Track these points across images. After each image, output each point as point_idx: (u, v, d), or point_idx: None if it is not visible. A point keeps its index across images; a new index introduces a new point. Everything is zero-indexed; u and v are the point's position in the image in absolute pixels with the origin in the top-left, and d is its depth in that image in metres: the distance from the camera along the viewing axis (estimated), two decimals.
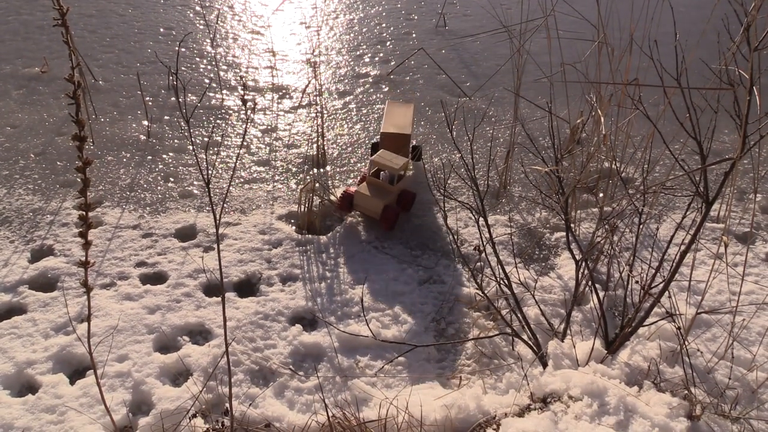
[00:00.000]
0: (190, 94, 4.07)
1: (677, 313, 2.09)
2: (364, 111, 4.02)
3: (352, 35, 5.15)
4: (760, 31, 1.69)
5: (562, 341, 2.12)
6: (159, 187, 3.23)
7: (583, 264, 2.19)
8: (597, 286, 2.25)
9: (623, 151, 3.26)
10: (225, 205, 3.09)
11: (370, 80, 4.41)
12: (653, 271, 2.09)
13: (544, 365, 2.09)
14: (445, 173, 3.19)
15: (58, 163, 3.36)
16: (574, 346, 2.08)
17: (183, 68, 4.40)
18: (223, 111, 3.95)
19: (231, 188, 3.23)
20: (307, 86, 4.25)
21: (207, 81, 4.28)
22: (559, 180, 2.25)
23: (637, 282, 2.15)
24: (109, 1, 5.55)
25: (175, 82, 4.14)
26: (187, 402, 2.00)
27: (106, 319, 2.38)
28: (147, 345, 2.28)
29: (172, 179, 3.29)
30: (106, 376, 2.13)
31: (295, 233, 2.92)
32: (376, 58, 4.73)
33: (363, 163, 3.47)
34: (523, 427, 1.77)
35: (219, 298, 2.52)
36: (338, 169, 3.43)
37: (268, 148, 3.61)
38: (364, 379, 2.17)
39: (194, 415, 1.93)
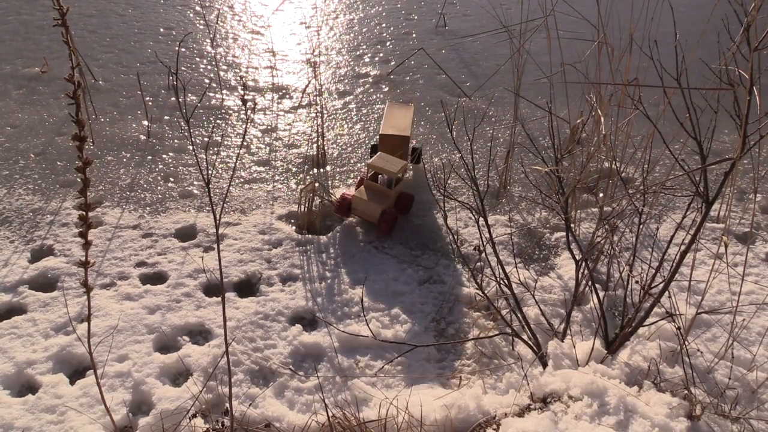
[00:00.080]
0: (190, 94, 4.07)
1: (677, 313, 2.09)
2: (364, 111, 4.02)
3: (352, 35, 5.15)
4: (760, 31, 1.69)
5: (562, 341, 2.12)
6: (159, 187, 3.23)
7: (583, 264, 2.19)
8: (597, 286, 2.25)
9: (623, 151, 3.26)
10: (225, 205, 3.09)
11: (370, 80, 4.41)
12: (653, 271, 2.09)
13: (544, 365, 2.09)
14: (445, 173, 3.19)
15: (58, 163, 3.36)
16: (574, 346, 2.08)
17: (183, 68, 4.40)
18: (223, 111, 3.95)
19: (231, 188, 3.23)
20: (307, 86, 4.25)
21: (207, 81, 4.28)
22: (559, 180, 2.25)
23: (637, 282, 2.15)
24: (109, 1, 5.55)
25: (175, 82, 4.14)
26: (187, 402, 2.00)
27: (106, 319, 2.38)
28: (147, 345, 2.28)
29: (172, 179, 3.29)
30: (106, 376, 2.13)
31: (295, 233, 2.92)
32: (376, 58, 4.73)
33: (363, 164, 3.47)
34: (523, 427, 1.77)
35: (219, 298, 2.52)
36: (338, 169, 3.43)
37: (268, 148, 3.61)
38: (364, 379, 2.17)
39: (194, 415, 1.93)
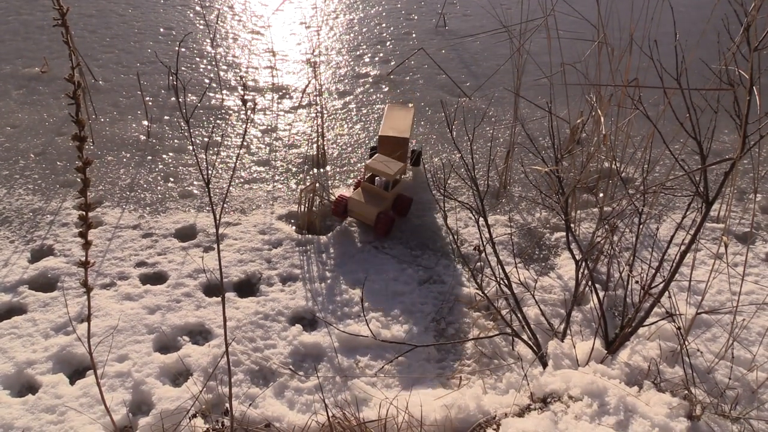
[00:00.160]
0: (190, 94, 4.07)
1: (677, 313, 2.09)
2: (364, 111, 4.02)
3: (352, 35, 5.16)
4: (760, 31, 1.69)
5: (562, 341, 2.12)
6: (159, 187, 3.23)
7: (583, 264, 2.19)
8: (597, 286, 2.25)
9: (623, 151, 3.26)
10: (225, 205, 3.09)
11: (370, 80, 4.41)
12: (653, 271, 2.10)
13: (544, 365, 2.09)
14: (445, 173, 3.18)
15: (58, 163, 3.36)
16: (574, 346, 2.08)
17: (183, 68, 4.40)
18: (223, 111, 3.95)
19: (231, 188, 3.23)
20: (307, 86, 4.25)
21: (207, 81, 4.28)
22: (559, 180, 2.25)
23: (637, 282, 2.15)
24: (109, 1, 5.55)
25: (175, 82, 4.15)
26: (187, 402, 2.00)
27: (106, 319, 2.38)
28: (147, 345, 2.28)
29: (172, 179, 3.29)
30: (106, 376, 2.13)
31: (295, 233, 2.92)
32: (376, 58, 4.73)
33: (363, 164, 3.47)
34: (523, 427, 1.77)
35: (219, 298, 2.52)
36: (338, 169, 3.43)
37: (268, 148, 3.61)
38: (364, 379, 2.17)
39: (194, 415, 1.93)
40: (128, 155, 3.47)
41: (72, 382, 2.13)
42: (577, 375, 1.93)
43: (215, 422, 1.95)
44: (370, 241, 2.87)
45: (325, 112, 3.99)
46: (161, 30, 5.04)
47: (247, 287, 2.63)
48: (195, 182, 3.27)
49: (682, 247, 1.94)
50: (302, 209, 2.97)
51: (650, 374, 2.03)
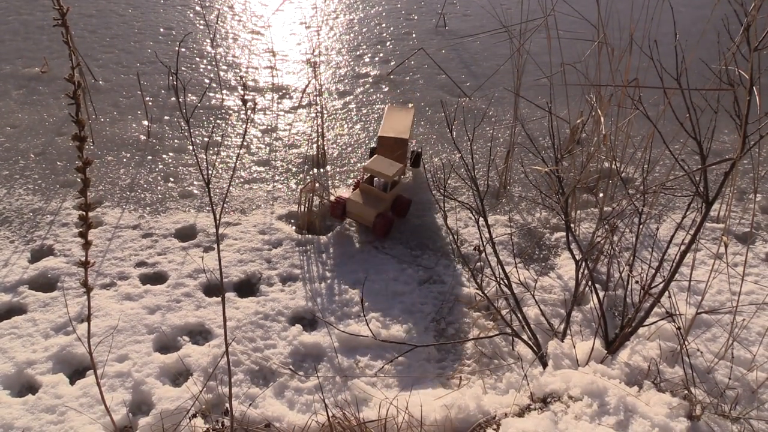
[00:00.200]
0: (190, 94, 4.07)
1: (677, 313, 2.08)
2: (364, 111, 4.02)
3: (352, 35, 5.16)
4: (760, 31, 1.69)
5: (562, 341, 2.12)
6: (159, 187, 3.23)
7: (583, 264, 2.19)
8: (597, 286, 2.25)
9: (623, 151, 3.26)
10: (225, 205, 3.09)
11: (370, 80, 4.41)
12: (653, 271, 2.09)
13: (544, 365, 2.09)
14: (445, 173, 3.18)
15: (58, 163, 3.36)
16: (574, 346, 2.08)
17: (183, 68, 4.40)
18: (223, 111, 3.95)
19: (231, 188, 3.23)
20: (307, 86, 4.25)
21: (207, 81, 4.28)
22: (559, 180, 2.24)
23: (637, 282, 2.15)
24: (109, 1, 5.55)
25: (175, 82, 4.15)
26: (187, 402, 2.00)
27: (106, 319, 2.38)
28: (147, 345, 2.28)
29: (172, 179, 3.29)
30: (106, 376, 2.13)
31: (295, 233, 2.92)
32: (376, 58, 4.73)
33: (362, 164, 3.47)
34: (523, 427, 1.77)
35: (219, 298, 2.52)
36: (338, 169, 3.43)
37: (268, 148, 3.61)
38: (364, 379, 2.17)
39: (194, 415, 1.93)
40: (128, 155, 3.47)
41: (72, 382, 2.13)
42: (577, 375, 1.93)
43: (215, 422, 1.95)
44: (370, 241, 2.87)
45: (325, 112, 3.99)
46: (161, 30, 5.04)
47: (247, 287, 2.63)
48: (195, 182, 3.27)
49: (682, 247, 1.94)
50: (302, 209, 2.97)
51: (650, 374, 2.03)
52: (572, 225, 2.86)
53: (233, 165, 3.43)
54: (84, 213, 1.55)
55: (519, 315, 2.14)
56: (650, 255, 2.68)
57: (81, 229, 1.57)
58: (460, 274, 2.70)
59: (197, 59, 4.57)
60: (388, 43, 4.99)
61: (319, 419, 1.96)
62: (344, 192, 3.18)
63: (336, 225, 2.98)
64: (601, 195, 3.20)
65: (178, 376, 2.19)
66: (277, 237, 2.89)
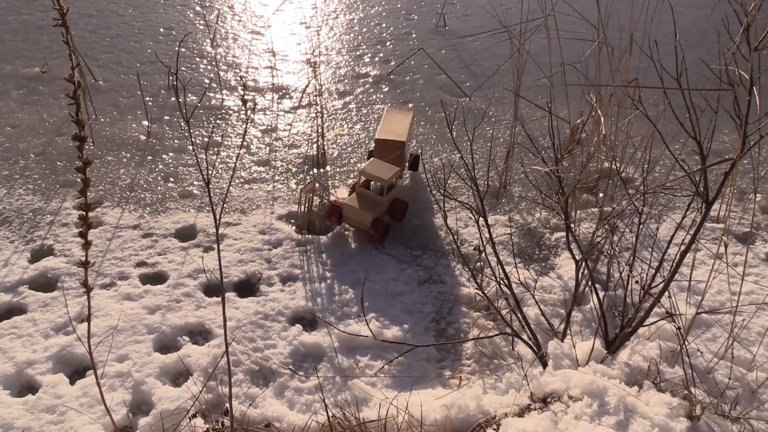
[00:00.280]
0: (190, 94, 4.07)
1: (677, 313, 2.08)
2: (364, 111, 4.02)
3: (352, 35, 5.15)
4: (760, 31, 1.69)
5: (562, 341, 2.12)
6: (159, 187, 3.23)
7: (583, 264, 2.19)
8: (597, 286, 2.25)
9: (623, 151, 3.26)
10: (225, 205, 3.09)
11: (370, 80, 4.41)
12: (653, 271, 2.10)
13: (544, 365, 2.09)
14: (445, 173, 3.18)
15: (58, 163, 3.36)
16: (574, 346, 2.08)
17: (183, 68, 4.40)
18: (223, 111, 3.95)
19: (231, 188, 3.23)
20: (307, 86, 4.25)
21: (207, 81, 4.28)
22: (559, 180, 2.24)
23: (637, 282, 2.15)
24: (109, 1, 5.55)
25: (175, 82, 4.14)
26: (187, 402, 2.00)
27: (106, 319, 2.38)
28: (147, 345, 2.28)
29: (172, 179, 3.29)
30: (106, 376, 2.13)
31: (295, 233, 2.92)
32: (376, 58, 4.73)
33: (358, 168, 3.47)
34: (523, 427, 1.77)
35: (219, 298, 2.52)
36: (338, 169, 3.43)
37: (268, 148, 3.61)
38: (364, 379, 2.17)
39: (194, 415, 1.93)
40: (128, 155, 3.47)
41: (72, 382, 2.13)
42: (577, 375, 1.93)
43: (215, 422, 1.95)
44: (370, 242, 2.87)
45: (325, 112, 3.99)
46: (161, 30, 5.04)
47: (247, 287, 2.63)
48: (195, 182, 3.27)
49: (682, 247, 1.94)
50: (302, 209, 2.97)
51: (650, 374, 2.03)
52: (572, 225, 2.86)
53: (233, 165, 3.43)
54: (84, 213, 1.55)
55: (519, 315, 2.14)
56: (650, 255, 2.68)
57: (81, 229, 1.57)
58: (460, 274, 2.70)
59: (197, 59, 4.57)
60: (388, 43, 4.99)
61: (319, 419, 1.96)
62: (344, 190, 3.18)
63: (336, 225, 2.98)
64: (601, 195, 3.20)
65: (178, 376, 2.19)
66: (277, 237, 2.89)
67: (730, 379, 2.05)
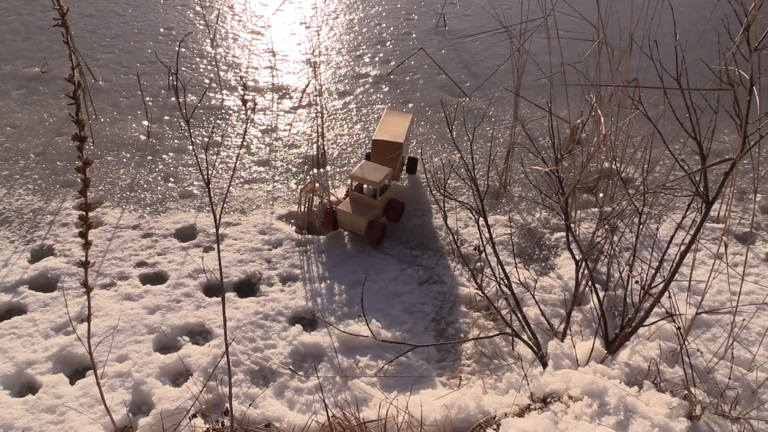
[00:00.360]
0: (190, 94, 4.07)
1: (677, 313, 2.09)
2: (364, 111, 4.02)
3: (352, 35, 5.16)
4: (760, 31, 1.69)
5: (562, 341, 2.12)
6: (159, 187, 3.23)
7: (583, 264, 2.19)
8: (597, 286, 2.25)
9: (623, 151, 3.26)
10: (225, 205, 3.09)
11: (370, 80, 4.41)
12: (653, 271, 2.09)
13: (544, 365, 2.09)
14: (445, 173, 3.18)
15: (58, 163, 3.36)
16: (574, 346, 2.08)
17: (183, 68, 4.40)
18: (223, 111, 3.95)
19: (231, 188, 3.23)
20: (307, 86, 4.25)
21: (207, 81, 4.28)
22: (559, 180, 2.24)
23: (637, 282, 2.15)
24: (109, 1, 5.55)
25: (175, 82, 4.15)
26: (187, 402, 2.00)
27: (106, 319, 2.38)
28: (147, 345, 2.28)
29: (172, 179, 3.29)
30: (106, 376, 2.13)
31: (295, 233, 2.92)
32: (376, 58, 4.73)
33: (350, 172, 3.45)
34: (523, 427, 1.77)
35: (219, 298, 2.52)
36: (338, 169, 3.43)
37: (268, 148, 3.61)
38: (364, 379, 2.17)
39: (194, 415, 1.93)
40: (128, 155, 3.47)
41: (72, 382, 2.13)
42: (577, 375, 1.93)
43: (215, 422, 1.95)
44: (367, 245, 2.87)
45: (325, 112, 3.99)
46: (161, 30, 5.04)
47: (247, 287, 2.63)
48: (195, 182, 3.27)
49: (682, 247, 1.94)
50: (302, 209, 2.97)
51: (650, 374, 2.03)
52: (572, 225, 2.86)
53: (233, 165, 3.43)
54: (84, 213, 1.55)
55: (519, 315, 2.14)
56: (650, 255, 2.68)
57: (81, 229, 1.57)
58: (460, 274, 2.70)
59: (197, 59, 4.57)
60: (388, 43, 4.99)
61: (319, 419, 1.96)
62: (344, 189, 3.17)
63: (332, 231, 2.97)
64: (601, 195, 3.20)
65: (178, 376, 2.19)
66: (277, 237, 2.89)
67: (730, 379, 2.05)
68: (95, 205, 3.03)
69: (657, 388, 1.96)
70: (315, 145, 3.54)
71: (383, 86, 4.33)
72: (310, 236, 2.90)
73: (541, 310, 2.31)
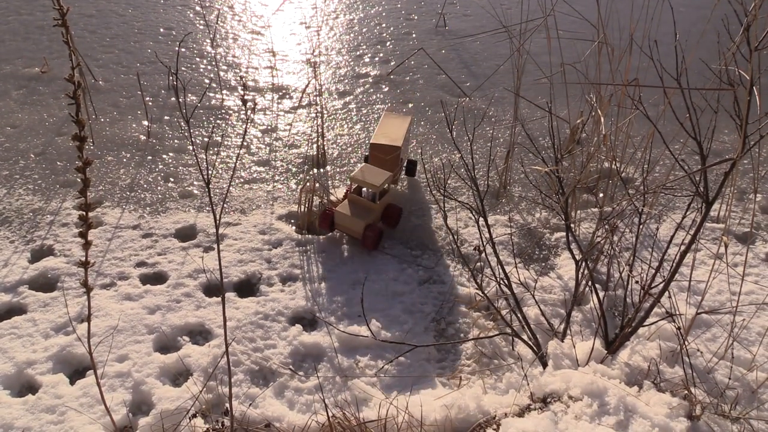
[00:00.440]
0: (190, 94, 4.07)
1: (677, 313, 2.09)
2: (364, 111, 4.02)
3: (352, 35, 5.16)
4: (760, 31, 1.69)
5: (562, 341, 2.12)
6: (159, 187, 3.23)
7: (583, 264, 2.19)
8: (597, 286, 2.25)
9: (623, 151, 3.26)
10: (225, 205, 3.09)
11: (370, 80, 4.41)
12: (653, 271, 2.09)
13: (544, 365, 2.09)
14: (445, 173, 3.18)
15: (58, 163, 3.36)
16: (574, 346, 2.08)
17: (183, 68, 4.40)
18: (223, 111, 3.95)
19: (231, 188, 3.23)
20: (307, 86, 4.25)
21: (207, 81, 4.28)
22: (559, 180, 2.24)
23: (637, 282, 2.15)
24: (109, 1, 5.55)
25: (175, 82, 4.15)
26: (187, 402, 2.00)
27: (106, 319, 2.38)
28: (147, 345, 2.28)
29: (172, 179, 3.29)
30: (106, 376, 2.13)
31: (295, 233, 2.92)
32: (376, 58, 4.73)
33: (350, 174, 3.45)
34: (523, 427, 1.77)
35: (219, 298, 2.52)
36: (338, 169, 3.43)
37: (268, 148, 3.61)
38: (364, 379, 2.17)
39: (194, 415, 1.93)
40: (128, 155, 3.47)
41: (72, 382, 2.13)
42: (577, 375, 1.93)
43: (215, 422, 1.95)
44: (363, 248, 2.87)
45: (325, 112, 3.99)
46: (161, 30, 5.04)
47: (247, 287, 2.63)
48: (195, 182, 3.27)
49: (682, 247, 1.94)
50: (302, 209, 2.97)
51: (650, 374, 2.03)
52: (572, 225, 2.86)
53: (233, 165, 3.43)
54: (84, 213, 1.55)
55: (519, 315, 2.14)
56: (650, 255, 2.68)
57: (81, 229, 1.57)
58: (460, 274, 2.70)
59: (197, 59, 4.57)
60: (388, 43, 4.99)
61: (319, 419, 1.96)
62: (344, 189, 3.17)
63: (328, 232, 2.97)
64: (601, 195, 3.20)
65: (178, 376, 2.19)
66: (277, 237, 2.89)
67: (730, 379, 2.05)
68: (95, 205, 3.03)
69: (657, 388, 1.96)
70: (315, 145, 3.54)
71: (383, 86, 4.33)
72: (310, 236, 2.90)
73: (541, 310, 2.31)
